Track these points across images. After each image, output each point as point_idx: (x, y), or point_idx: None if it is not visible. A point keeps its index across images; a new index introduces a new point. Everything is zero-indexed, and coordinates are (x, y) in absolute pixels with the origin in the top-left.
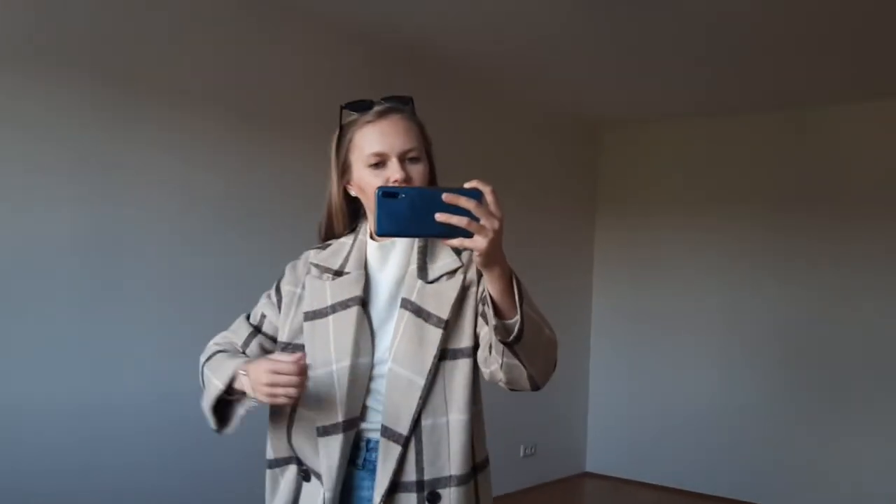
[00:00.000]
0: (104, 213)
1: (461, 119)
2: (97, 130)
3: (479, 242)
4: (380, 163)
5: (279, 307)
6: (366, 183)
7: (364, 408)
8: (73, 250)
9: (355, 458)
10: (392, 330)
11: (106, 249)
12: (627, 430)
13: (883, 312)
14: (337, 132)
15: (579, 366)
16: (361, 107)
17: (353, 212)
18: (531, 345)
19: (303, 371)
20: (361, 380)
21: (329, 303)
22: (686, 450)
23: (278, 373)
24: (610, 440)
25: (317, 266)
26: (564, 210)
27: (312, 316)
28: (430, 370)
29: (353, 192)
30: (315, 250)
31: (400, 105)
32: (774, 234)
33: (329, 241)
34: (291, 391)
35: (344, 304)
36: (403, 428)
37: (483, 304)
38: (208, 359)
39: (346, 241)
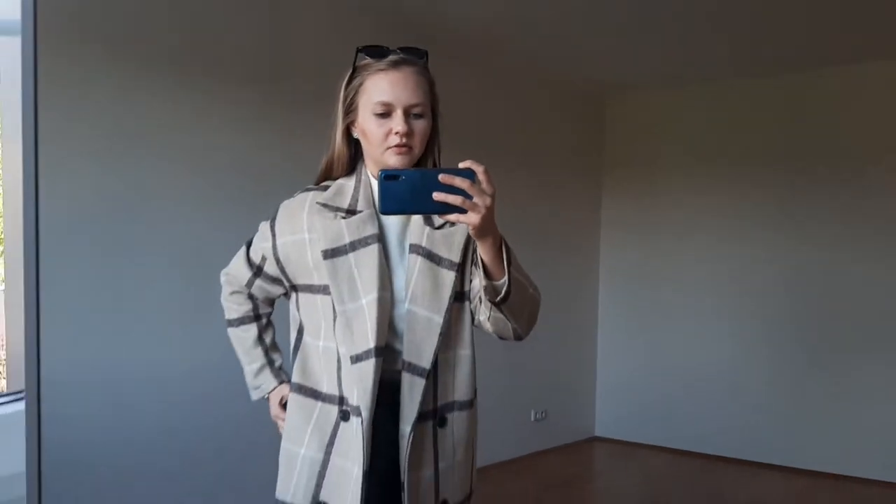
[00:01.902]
0: (129, 181)
1: (465, 88)
2: (121, 98)
3: (472, 218)
4: (385, 113)
5: (278, 255)
6: (368, 129)
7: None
8: (93, 218)
9: (377, 396)
10: (404, 273)
11: (124, 217)
12: (636, 394)
13: (890, 265)
14: (349, 72)
15: (587, 330)
16: (377, 53)
17: (351, 156)
18: (517, 303)
19: None
20: (386, 312)
21: (347, 240)
22: (696, 412)
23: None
24: (619, 404)
25: (325, 206)
26: (571, 177)
27: (332, 254)
28: (448, 309)
29: (355, 134)
30: (314, 192)
31: (414, 58)
32: (781, 194)
33: (326, 183)
34: None
35: (363, 242)
36: (426, 362)
37: (478, 257)
38: (234, 321)
39: (346, 182)
